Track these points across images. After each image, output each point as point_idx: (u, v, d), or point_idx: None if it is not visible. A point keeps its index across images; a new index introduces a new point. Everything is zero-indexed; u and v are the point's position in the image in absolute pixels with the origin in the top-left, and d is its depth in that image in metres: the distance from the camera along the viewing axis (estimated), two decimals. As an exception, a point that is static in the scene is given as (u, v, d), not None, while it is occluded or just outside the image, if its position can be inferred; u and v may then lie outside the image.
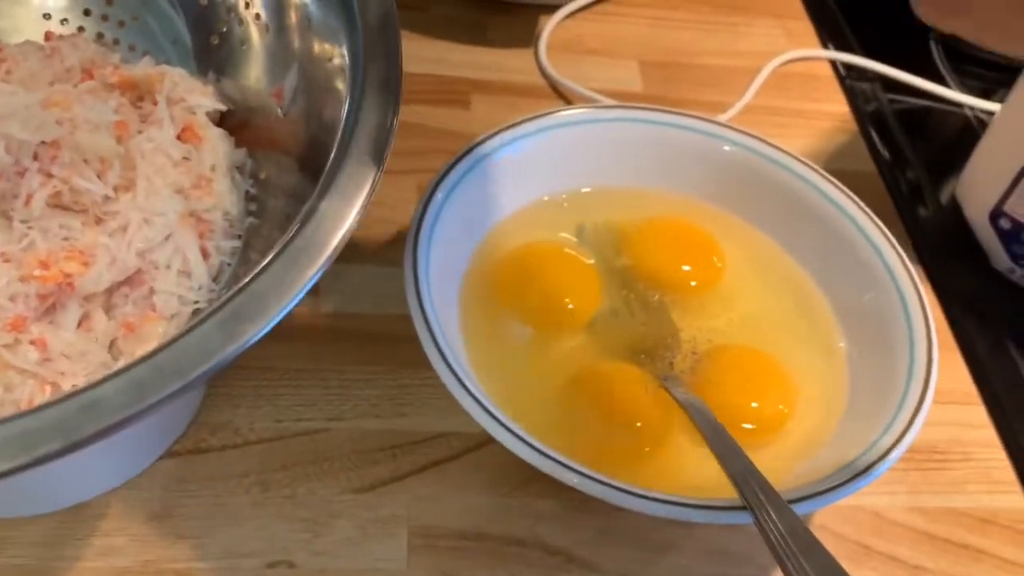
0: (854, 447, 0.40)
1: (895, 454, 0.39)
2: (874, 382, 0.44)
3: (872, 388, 0.44)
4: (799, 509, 0.36)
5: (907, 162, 0.63)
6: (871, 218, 0.48)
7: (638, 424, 0.43)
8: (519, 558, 0.42)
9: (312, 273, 0.29)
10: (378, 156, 0.32)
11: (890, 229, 0.48)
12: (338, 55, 0.36)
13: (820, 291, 0.49)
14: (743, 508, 0.36)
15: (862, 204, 0.48)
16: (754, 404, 0.45)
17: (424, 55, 0.66)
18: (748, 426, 0.44)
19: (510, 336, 0.46)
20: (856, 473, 0.38)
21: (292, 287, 0.29)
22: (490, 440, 0.45)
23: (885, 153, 0.64)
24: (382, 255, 0.53)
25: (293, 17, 0.39)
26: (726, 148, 0.51)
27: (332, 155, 0.32)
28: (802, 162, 0.51)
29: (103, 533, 0.40)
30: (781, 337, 0.48)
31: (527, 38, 0.69)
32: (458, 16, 0.69)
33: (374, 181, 0.31)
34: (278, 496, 0.42)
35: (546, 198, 0.51)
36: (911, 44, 0.73)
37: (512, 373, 0.45)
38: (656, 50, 0.70)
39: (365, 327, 0.49)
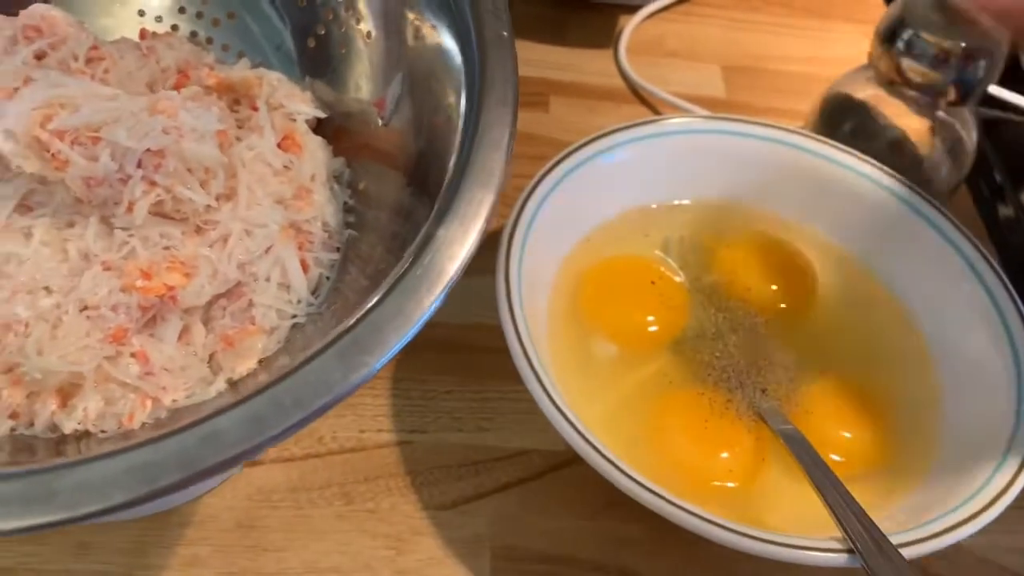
0: (958, 487, 0.39)
1: (1008, 497, 0.37)
2: (975, 419, 0.42)
3: (973, 425, 0.42)
4: (910, 552, 0.35)
5: (989, 169, 0.61)
6: (983, 255, 0.46)
7: (727, 454, 0.42)
8: (603, 585, 0.41)
9: (431, 303, 0.28)
10: (495, 180, 0.31)
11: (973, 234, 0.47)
12: (451, 68, 0.34)
13: (917, 323, 0.47)
14: (848, 551, 0.35)
15: (972, 238, 0.46)
16: (847, 435, 0.43)
17: (501, 53, 0.65)
18: (837, 458, 0.42)
19: (596, 353, 0.45)
20: (967, 518, 0.36)
21: (411, 318, 0.28)
22: (572, 459, 0.45)
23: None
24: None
25: (400, 25, 0.37)
26: (825, 166, 0.50)
27: (448, 176, 0.31)
28: (907, 186, 0.49)
29: (188, 542, 0.40)
30: (874, 364, 0.46)
31: (606, 39, 0.67)
32: (538, 14, 0.67)
33: (492, 206, 0.30)
34: (361, 510, 0.42)
35: (636, 209, 0.50)
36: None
37: (597, 392, 0.44)
38: (738, 54, 0.68)
39: (446, 336, 0.49)
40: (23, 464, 0.26)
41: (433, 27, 0.36)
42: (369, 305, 0.28)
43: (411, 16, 0.37)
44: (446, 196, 0.30)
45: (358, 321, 0.28)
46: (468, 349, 0.48)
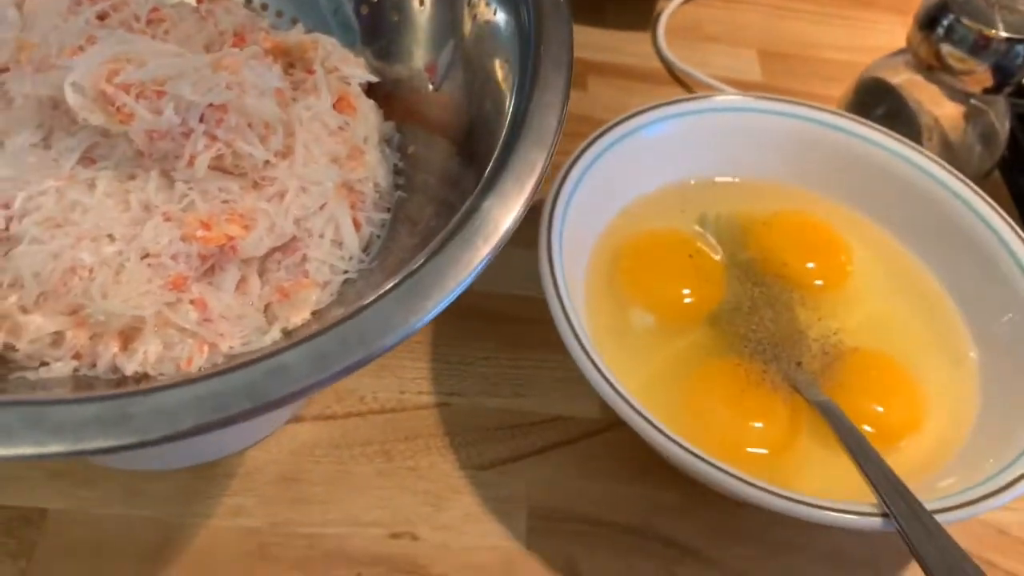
0: (990, 459, 0.39)
1: (1040, 472, 0.38)
2: (1011, 393, 0.43)
3: (1008, 400, 0.43)
4: (944, 518, 0.35)
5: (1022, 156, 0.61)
6: (1019, 235, 0.46)
7: (762, 424, 0.43)
8: (638, 548, 0.42)
9: (486, 253, 0.29)
10: (549, 140, 0.32)
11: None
12: (503, 36, 0.35)
13: (952, 300, 0.48)
14: (883, 515, 0.36)
15: (1008, 218, 0.47)
16: (880, 409, 0.44)
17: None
18: (869, 430, 0.43)
19: (633, 324, 0.46)
20: (1000, 488, 0.37)
21: (468, 266, 0.29)
22: (607, 426, 0.46)
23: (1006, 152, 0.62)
24: (500, 234, 0.53)
25: (454, -8, 0.38)
26: (863, 147, 0.50)
27: (502, 135, 0.32)
28: (944, 167, 0.49)
29: (233, 492, 0.41)
30: (908, 343, 0.47)
31: (645, 21, 0.68)
32: (578, -5, 0.68)
33: (545, 165, 0.31)
34: (401, 467, 0.43)
35: (674, 184, 0.50)
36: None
37: (634, 361, 0.45)
38: (776, 40, 0.69)
39: (483, 306, 0.49)
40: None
41: (487, -8, 0.37)
42: (428, 253, 0.29)
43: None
44: (501, 154, 0.31)
45: (418, 268, 0.28)
46: (505, 319, 0.49)
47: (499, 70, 0.37)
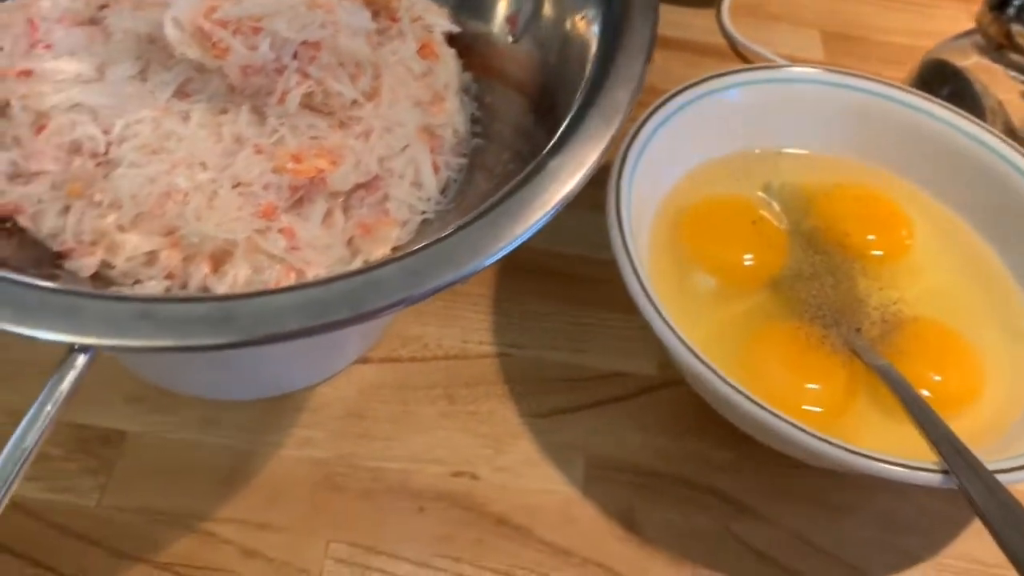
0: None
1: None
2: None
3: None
4: (1006, 478, 0.36)
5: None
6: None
7: (821, 385, 0.43)
8: (693, 501, 0.42)
9: (571, 185, 0.30)
10: (634, 82, 0.32)
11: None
12: None
13: (1012, 278, 0.48)
14: (944, 472, 0.36)
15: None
16: (939, 377, 0.44)
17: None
18: (927, 395, 0.43)
19: (694, 285, 0.47)
20: (1057, 453, 0.37)
21: (552, 197, 0.30)
22: (663, 384, 0.47)
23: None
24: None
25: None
26: (929, 123, 0.50)
27: (586, 82, 0.33)
28: (1007, 143, 0.49)
29: (303, 425, 0.42)
30: (967, 316, 0.47)
31: (709, -1, 0.68)
32: (644, -30, 0.68)
33: (629, 105, 0.32)
34: (463, 411, 0.44)
35: (741, 152, 0.51)
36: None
37: (694, 320, 0.45)
38: (839, 21, 0.69)
39: (542, 263, 0.50)
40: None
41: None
42: (515, 183, 0.30)
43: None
44: (588, 94, 0.32)
45: (505, 196, 0.29)
46: (568, 278, 0.50)
47: (580, 24, 0.37)
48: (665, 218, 0.48)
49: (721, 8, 0.67)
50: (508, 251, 0.29)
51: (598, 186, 0.44)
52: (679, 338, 0.39)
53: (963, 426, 0.42)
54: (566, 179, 0.30)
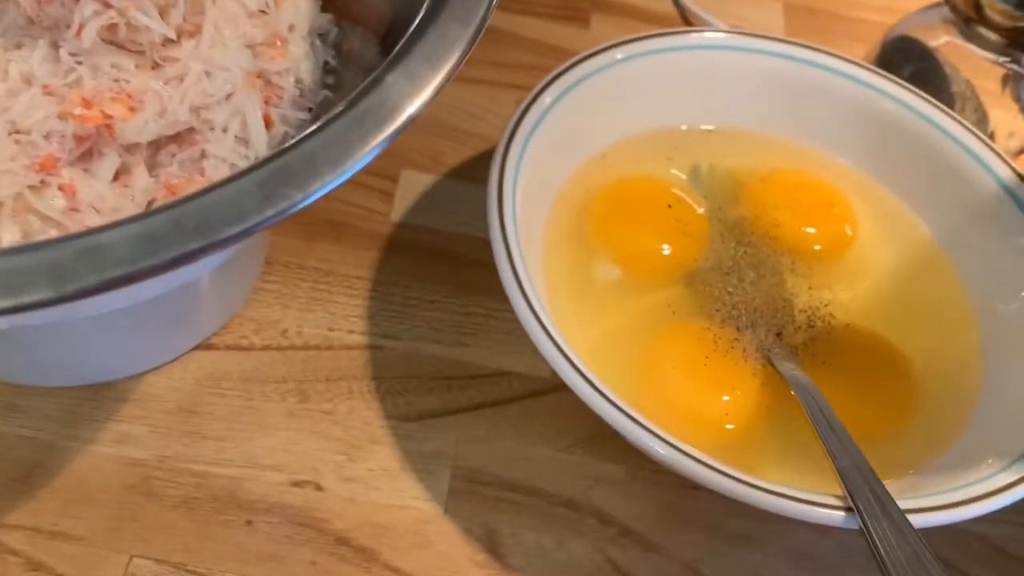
0: (988, 458, 0.34)
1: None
2: (1017, 388, 0.37)
3: (1014, 395, 0.37)
4: (920, 520, 0.30)
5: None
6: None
7: (726, 396, 0.37)
8: (569, 522, 0.37)
9: (378, 140, 0.24)
10: (476, 18, 0.26)
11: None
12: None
13: (962, 279, 0.42)
14: (848, 509, 0.30)
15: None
16: (868, 391, 0.38)
17: (547, -35, 0.60)
18: (851, 416, 0.37)
19: (596, 275, 0.41)
20: (990, 492, 0.31)
21: (351, 153, 0.24)
22: (554, 387, 0.41)
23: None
24: (467, 171, 0.48)
25: None
26: (880, 102, 0.44)
27: (421, 13, 0.27)
28: (975, 135, 0.43)
29: (122, 418, 0.37)
30: (909, 322, 0.41)
31: (662, -39, 0.62)
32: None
33: (467, 45, 0.26)
34: (316, 410, 0.38)
35: (661, 129, 0.45)
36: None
37: (592, 317, 0.40)
38: (805, -6, 0.63)
39: (438, 243, 0.45)
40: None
41: None
42: (302, 135, 0.24)
43: None
44: (417, 30, 0.26)
45: (289, 148, 0.24)
46: (460, 260, 0.44)
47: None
48: (570, 200, 0.42)
49: (674, -27, 0.61)
50: (282, 217, 0.23)
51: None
52: (552, 341, 0.33)
53: (893, 448, 0.37)
54: (373, 129, 0.24)
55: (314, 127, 0.24)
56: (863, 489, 0.31)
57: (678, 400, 0.37)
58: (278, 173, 0.23)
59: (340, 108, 0.24)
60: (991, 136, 0.51)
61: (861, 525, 0.30)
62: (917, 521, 0.30)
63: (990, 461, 0.34)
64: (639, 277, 0.41)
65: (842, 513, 0.30)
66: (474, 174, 0.48)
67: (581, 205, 0.42)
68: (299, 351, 0.40)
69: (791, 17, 0.61)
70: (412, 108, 0.25)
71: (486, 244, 0.45)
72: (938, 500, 0.31)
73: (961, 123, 0.43)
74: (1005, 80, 0.49)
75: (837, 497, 0.31)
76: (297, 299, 0.41)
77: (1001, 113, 0.52)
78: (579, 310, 0.40)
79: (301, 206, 0.23)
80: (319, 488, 0.36)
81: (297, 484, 0.36)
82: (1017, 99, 0.49)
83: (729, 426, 0.37)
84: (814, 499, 0.31)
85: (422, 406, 0.39)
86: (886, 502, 0.30)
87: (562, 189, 0.42)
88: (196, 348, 0.39)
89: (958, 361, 0.39)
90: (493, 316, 0.42)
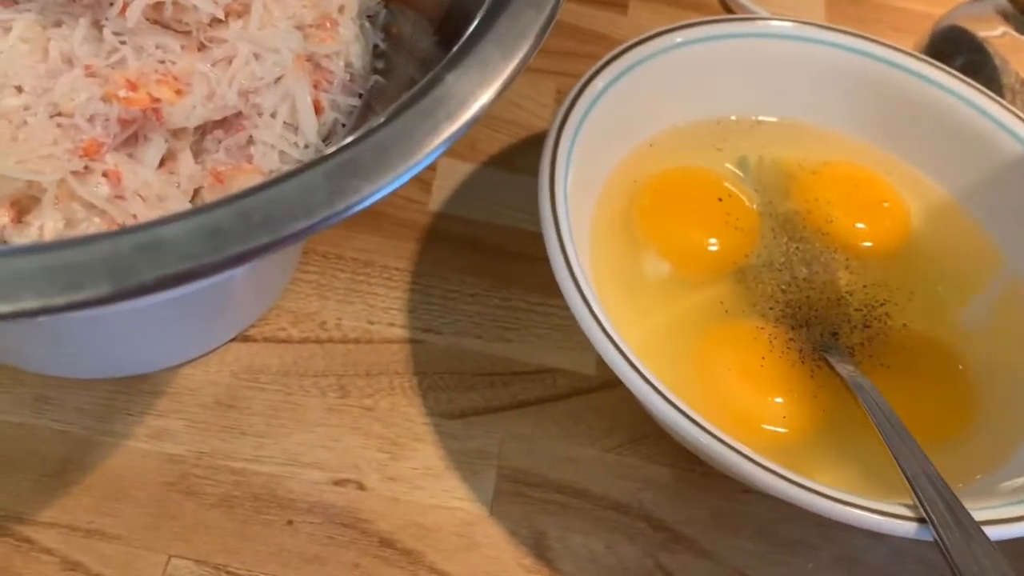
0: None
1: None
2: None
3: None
4: (998, 532, 0.28)
5: None
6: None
7: (782, 399, 0.36)
8: (618, 526, 0.36)
9: (450, 131, 0.23)
10: (547, 9, 0.25)
11: None
12: None
13: (1017, 275, 0.41)
14: (919, 520, 0.29)
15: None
16: (927, 395, 0.37)
17: (585, -51, 0.58)
18: (912, 420, 0.36)
19: (645, 269, 0.40)
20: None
21: (423, 145, 0.23)
22: (600, 386, 0.40)
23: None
24: (507, 160, 0.47)
25: None
26: (938, 96, 0.43)
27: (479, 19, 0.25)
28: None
29: (159, 412, 0.35)
30: (967, 326, 0.40)
31: (702, -54, 0.60)
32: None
33: (538, 35, 0.25)
34: (357, 406, 0.37)
35: (711, 119, 0.44)
36: None
37: (641, 312, 0.38)
38: (847, -19, 0.61)
39: (477, 235, 0.43)
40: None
41: None
42: (372, 125, 0.22)
43: None
44: (484, 21, 0.25)
45: (358, 140, 0.22)
46: (500, 253, 0.43)
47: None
48: (619, 189, 0.41)
49: (714, -42, 0.59)
50: (353, 211, 0.21)
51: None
52: (609, 337, 0.32)
53: (954, 454, 0.36)
54: (444, 121, 0.23)
55: (383, 118, 0.23)
56: (934, 498, 0.29)
57: (733, 402, 0.36)
58: (347, 165, 0.22)
59: (408, 96, 0.23)
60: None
61: (935, 537, 0.28)
62: (993, 533, 0.29)
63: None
64: (689, 272, 0.40)
65: (915, 524, 0.29)
66: (512, 162, 0.47)
67: (629, 196, 0.41)
68: (338, 344, 0.39)
69: (832, 6, 0.60)
70: (484, 98, 0.23)
71: (526, 235, 0.44)
72: (1014, 511, 0.30)
73: (1019, 116, 0.42)
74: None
75: (906, 506, 0.30)
76: (336, 290, 0.40)
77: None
78: (628, 305, 0.38)
79: (371, 200, 0.22)
80: (361, 487, 0.35)
81: (339, 483, 0.35)
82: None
83: (783, 430, 0.36)
84: (883, 508, 0.29)
85: (465, 403, 0.38)
86: (959, 513, 0.29)
87: (609, 178, 0.41)
88: (233, 340, 0.38)
89: (1019, 369, 0.38)
90: (535, 311, 0.41)
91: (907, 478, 0.30)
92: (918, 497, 0.30)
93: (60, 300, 0.19)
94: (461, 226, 0.44)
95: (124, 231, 0.20)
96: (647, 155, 0.42)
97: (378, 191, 0.22)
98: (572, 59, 0.52)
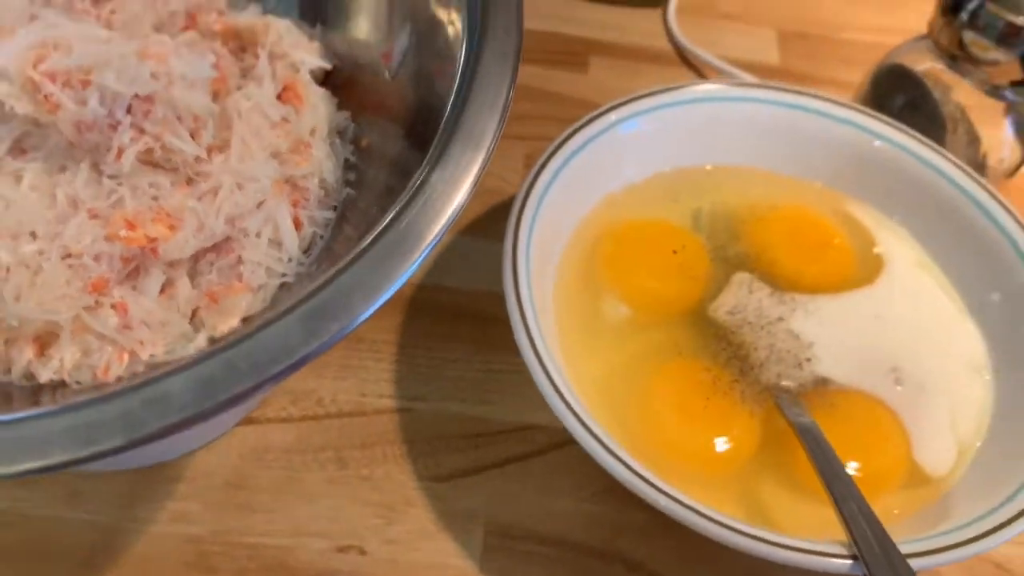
0: (994, 490, 0.36)
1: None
2: (1020, 423, 0.39)
3: (1017, 430, 0.39)
4: (922, 563, 0.32)
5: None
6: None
7: (725, 437, 0.40)
8: (599, 572, 0.39)
9: (404, 270, 0.27)
10: (485, 144, 0.29)
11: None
12: (455, 19, 0.32)
13: (967, 310, 0.44)
14: (852, 557, 0.33)
15: (1026, 223, 0.43)
16: (872, 437, 0.40)
17: (541, 9, 0.62)
18: (854, 464, 0.39)
19: (605, 312, 0.43)
20: (994, 527, 0.34)
21: (381, 285, 0.26)
22: (574, 439, 0.43)
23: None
24: (480, 226, 0.50)
25: (408, -26, 0.35)
26: (873, 143, 0.46)
27: (439, 131, 0.29)
28: (960, 167, 0.45)
29: (178, 497, 0.39)
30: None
31: (655, -3, 0.64)
32: (583, -31, 0.64)
33: (479, 170, 0.28)
34: (354, 476, 0.41)
35: (665, 171, 0.47)
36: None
37: (600, 350, 0.42)
38: (797, 19, 0.64)
39: (457, 303, 0.47)
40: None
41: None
42: (339, 267, 0.26)
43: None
44: (433, 157, 0.28)
45: (326, 283, 0.26)
46: (480, 318, 0.46)
47: (451, 56, 0.33)
48: (581, 242, 0.45)
49: (668, 8, 0.63)
50: (324, 350, 0.25)
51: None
52: (564, 401, 0.36)
53: (895, 494, 0.39)
54: (400, 261, 0.27)
55: (349, 257, 0.26)
56: (866, 535, 0.33)
57: (678, 442, 0.39)
58: (319, 309, 0.26)
59: (373, 236, 0.27)
60: (983, 157, 0.53)
61: (865, 572, 0.32)
62: (917, 564, 0.32)
63: (987, 499, 0.36)
64: (645, 315, 0.43)
65: (848, 562, 0.33)
66: (487, 229, 0.50)
67: (592, 245, 0.45)
68: (334, 419, 0.42)
69: (784, 44, 0.63)
70: (432, 236, 0.27)
71: (501, 299, 0.47)
72: (937, 542, 0.33)
73: (948, 158, 0.46)
74: (994, 109, 0.51)
75: (841, 543, 0.34)
76: (329, 367, 0.44)
77: (993, 132, 0.54)
78: (588, 342, 0.42)
79: (342, 336, 0.26)
80: (362, 552, 0.39)
81: (342, 549, 0.39)
82: (1008, 126, 0.51)
83: (730, 465, 0.39)
84: (817, 548, 0.33)
85: (451, 465, 0.42)
86: (888, 548, 0.33)
87: (575, 231, 0.45)
88: (240, 423, 0.41)
89: (963, 405, 0.41)
90: (515, 371, 0.45)
91: (841, 516, 0.34)
92: (851, 534, 0.33)
93: (82, 454, 0.23)
94: (441, 295, 0.47)
95: (132, 387, 0.24)
96: (609, 210, 0.46)
97: (347, 327, 0.26)
98: (538, 121, 0.55)
